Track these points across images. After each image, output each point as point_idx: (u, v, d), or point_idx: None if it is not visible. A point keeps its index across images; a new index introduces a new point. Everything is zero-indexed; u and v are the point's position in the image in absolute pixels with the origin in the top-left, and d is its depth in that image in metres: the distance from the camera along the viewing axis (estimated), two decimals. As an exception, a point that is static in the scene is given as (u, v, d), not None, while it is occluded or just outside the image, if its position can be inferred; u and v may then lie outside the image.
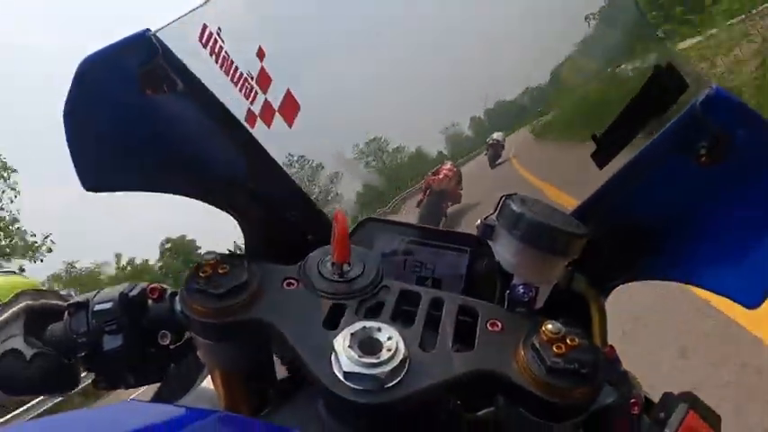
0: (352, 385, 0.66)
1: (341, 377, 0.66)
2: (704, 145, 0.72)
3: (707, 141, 0.71)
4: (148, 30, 0.77)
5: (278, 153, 0.98)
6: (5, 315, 0.87)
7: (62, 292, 0.95)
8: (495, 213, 0.86)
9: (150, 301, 0.90)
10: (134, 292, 0.89)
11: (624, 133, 0.86)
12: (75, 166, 0.84)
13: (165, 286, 0.91)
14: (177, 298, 0.86)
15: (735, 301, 0.79)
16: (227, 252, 0.84)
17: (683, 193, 0.81)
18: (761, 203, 0.73)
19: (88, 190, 0.86)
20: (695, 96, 0.70)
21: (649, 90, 0.81)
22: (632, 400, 0.80)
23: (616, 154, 0.88)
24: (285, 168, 1.00)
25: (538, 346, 0.72)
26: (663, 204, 0.85)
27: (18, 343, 0.84)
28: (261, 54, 0.95)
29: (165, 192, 0.94)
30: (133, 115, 0.84)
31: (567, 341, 0.72)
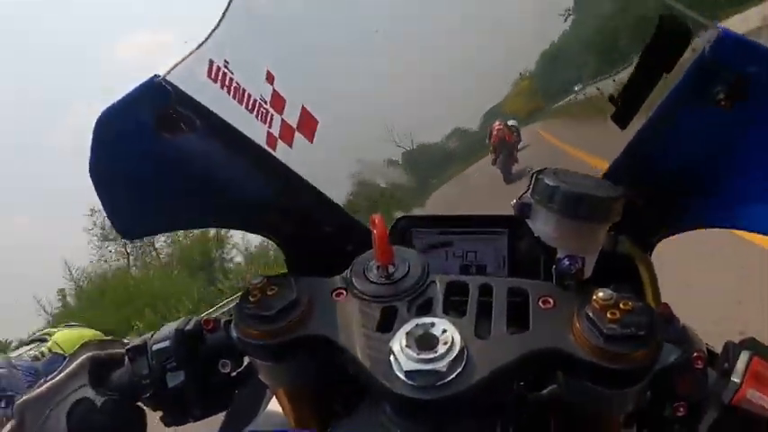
0: (414, 383, 0.66)
1: (402, 377, 0.67)
2: (721, 89, 0.71)
3: (722, 85, 0.70)
4: (157, 75, 0.79)
5: (304, 169, 0.99)
6: (72, 366, 0.90)
7: (124, 340, 0.98)
8: (530, 191, 0.86)
9: (206, 333, 0.91)
10: (189, 327, 0.91)
11: (640, 91, 0.85)
12: (109, 216, 0.86)
13: (218, 317, 0.93)
14: (232, 325, 0.88)
15: None
16: (274, 275, 0.85)
17: (710, 139, 0.80)
18: None
19: (125, 237, 0.89)
20: (703, 43, 0.69)
21: (656, 44, 0.80)
22: (695, 355, 0.79)
23: (635, 113, 0.87)
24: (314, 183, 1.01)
25: (592, 315, 0.71)
26: (692, 153, 0.83)
27: (87, 392, 0.88)
28: (270, 78, 0.96)
29: (202, 227, 0.96)
30: (157, 159, 0.86)
31: (621, 306, 0.72)
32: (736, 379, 0.76)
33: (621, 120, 0.88)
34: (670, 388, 0.79)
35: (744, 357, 0.77)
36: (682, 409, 0.80)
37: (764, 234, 0.81)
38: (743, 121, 0.74)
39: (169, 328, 0.91)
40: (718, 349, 0.83)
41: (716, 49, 0.68)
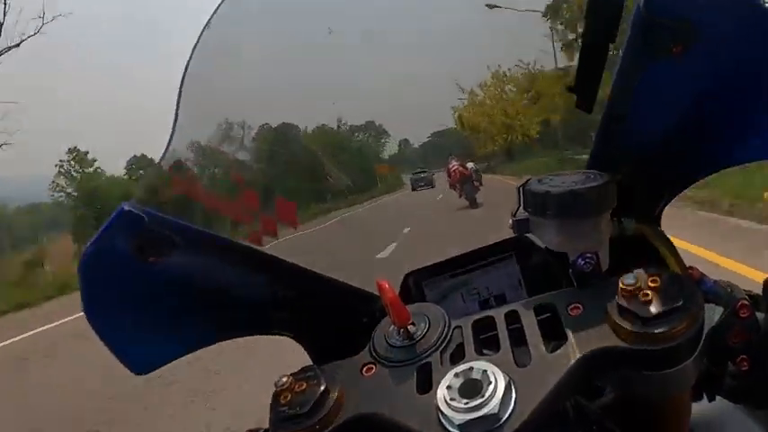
0: None
1: None
2: (665, 41, 0.71)
3: (666, 36, 0.71)
4: (124, 204, 0.78)
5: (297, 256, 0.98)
6: None
7: None
8: (521, 207, 0.86)
9: None
10: None
11: (592, 71, 0.86)
12: (118, 358, 0.84)
13: (256, 428, 0.90)
14: None
15: None
16: (297, 371, 0.83)
17: (673, 93, 0.80)
18: (752, 54, 0.72)
19: (139, 374, 0.86)
20: (636, 1, 0.70)
21: (592, 19, 0.82)
22: (738, 305, 0.78)
23: (596, 94, 0.88)
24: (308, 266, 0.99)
25: (625, 304, 0.70)
26: (661, 113, 0.84)
27: None
28: (238, 179, 0.96)
29: (213, 343, 0.94)
30: (148, 286, 0.84)
31: (650, 285, 0.70)
32: None
33: (585, 105, 0.89)
34: (725, 346, 0.77)
35: None
36: (745, 363, 0.78)
37: (759, 160, 0.81)
38: (700, 60, 0.74)
39: None
40: (758, 291, 0.81)
41: (649, 2, 0.69)
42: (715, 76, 0.77)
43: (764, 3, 0.67)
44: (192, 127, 0.88)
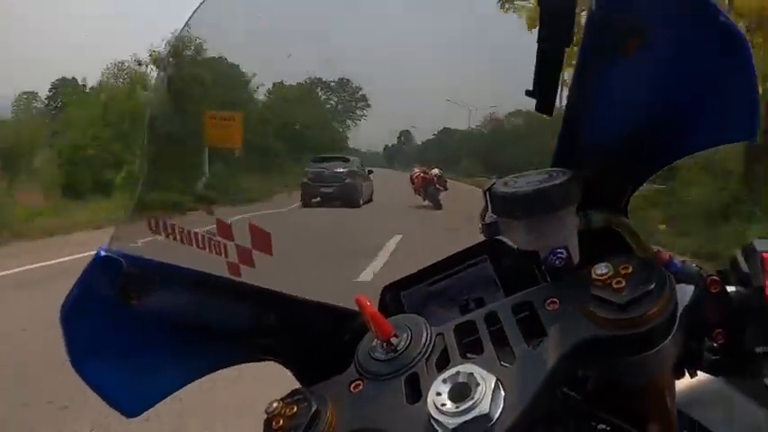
0: None
1: None
2: (620, 38, 0.74)
3: (622, 32, 0.74)
4: (101, 249, 0.78)
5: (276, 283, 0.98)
6: None
7: None
8: (489, 210, 0.87)
9: None
10: None
11: (550, 74, 0.88)
12: (110, 404, 0.84)
13: None
14: None
15: (735, 140, 0.81)
16: (286, 395, 0.83)
17: (634, 88, 0.83)
18: (702, 48, 0.75)
19: (131, 417, 0.86)
20: (589, 1, 0.73)
21: (546, 24, 0.84)
22: (708, 281, 0.81)
23: (554, 97, 0.90)
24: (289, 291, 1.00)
25: (599, 293, 0.72)
26: (625, 105, 0.86)
27: None
28: (209, 210, 0.97)
29: (202, 376, 0.94)
30: (132, 330, 0.84)
31: (621, 272, 0.73)
32: (757, 282, 0.78)
33: (544, 108, 0.91)
34: (701, 322, 0.80)
35: (754, 259, 0.79)
36: (721, 336, 0.81)
37: (720, 144, 0.84)
38: (653, 56, 0.77)
39: None
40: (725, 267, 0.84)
41: (600, 2, 0.71)
42: (667, 71, 0.79)
43: (712, 1, 0.70)
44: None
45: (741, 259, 0.83)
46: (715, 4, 0.69)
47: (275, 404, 0.80)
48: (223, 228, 0.97)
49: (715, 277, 0.82)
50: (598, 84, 0.81)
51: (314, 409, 0.77)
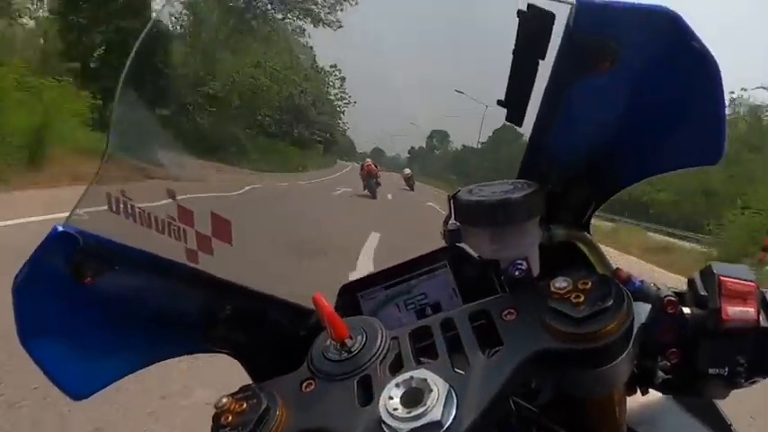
0: None
1: None
2: (596, 55, 0.74)
3: (596, 51, 0.74)
4: (57, 226, 0.76)
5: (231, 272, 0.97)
6: None
7: None
8: (452, 217, 0.87)
9: None
10: None
11: (522, 85, 0.88)
12: (56, 383, 0.82)
13: None
14: None
15: (700, 164, 0.82)
16: (236, 390, 0.82)
17: (602, 105, 0.83)
18: (675, 72, 0.75)
19: (78, 399, 0.84)
20: (567, 19, 0.73)
21: (523, 37, 0.84)
22: (665, 302, 0.82)
23: (525, 108, 0.90)
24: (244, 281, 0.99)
25: (557, 307, 0.72)
26: (591, 124, 0.87)
27: None
28: (171, 194, 0.95)
29: (153, 362, 0.92)
30: (84, 308, 0.82)
31: (580, 287, 0.73)
32: (713, 305, 0.79)
33: (515, 119, 0.91)
34: (655, 341, 0.81)
35: (711, 282, 0.80)
36: (674, 356, 0.82)
37: (685, 168, 0.85)
38: (626, 76, 0.77)
39: None
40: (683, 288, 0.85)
41: (578, 20, 0.71)
42: (638, 92, 0.80)
43: (688, 26, 0.70)
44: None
45: (699, 282, 0.84)
46: (690, 29, 0.70)
47: (225, 399, 0.79)
48: (184, 213, 0.95)
49: (672, 298, 0.82)
50: (568, 100, 0.81)
51: (264, 406, 0.76)
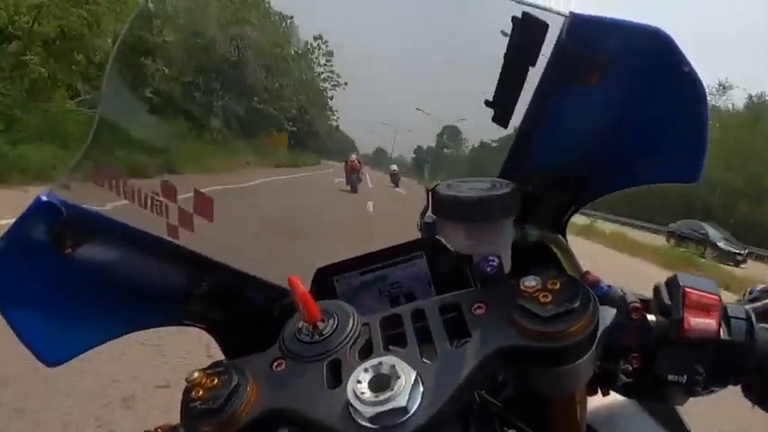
0: (380, 426, 0.66)
1: (369, 425, 0.66)
2: (584, 67, 0.76)
3: (586, 64, 0.75)
4: (41, 194, 0.77)
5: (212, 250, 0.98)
6: None
7: None
8: (430, 209, 0.88)
9: None
10: None
11: (511, 89, 0.90)
12: (28, 347, 0.83)
13: (165, 425, 0.90)
14: (182, 430, 0.85)
15: (678, 181, 0.84)
16: (208, 366, 0.83)
17: (589, 115, 0.85)
18: (662, 91, 0.77)
19: (51, 365, 0.85)
20: (560, 29, 0.74)
21: (516, 43, 0.85)
22: (630, 307, 0.84)
23: (512, 111, 0.92)
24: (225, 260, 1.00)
25: (526, 304, 0.74)
26: (575, 132, 0.88)
27: None
28: (158, 171, 0.96)
29: (126, 333, 0.93)
30: (62, 276, 0.83)
31: (549, 287, 0.75)
32: (676, 314, 0.81)
33: (501, 120, 0.92)
34: (618, 345, 0.83)
35: (676, 292, 0.83)
36: (636, 361, 0.84)
37: (663, 182, 0.87)
38: (613, 90, 0.79)
39: None
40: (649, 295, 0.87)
41: (571, 32, 0.73)
42: (624, 105, 0.82)
43: (679, 49, 0.72)
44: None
45: (664, 291, 0.86)
46: (681, 52, 0.72)
47: (196, 374, 0.80)
48: (167, 188, 0.96)
49: (637, 304, 0.84)
50: (555, 107, 0.83)
51: (234, 382, 0.77)
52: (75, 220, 0.79)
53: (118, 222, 0.85)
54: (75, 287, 0.85)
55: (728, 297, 0.89)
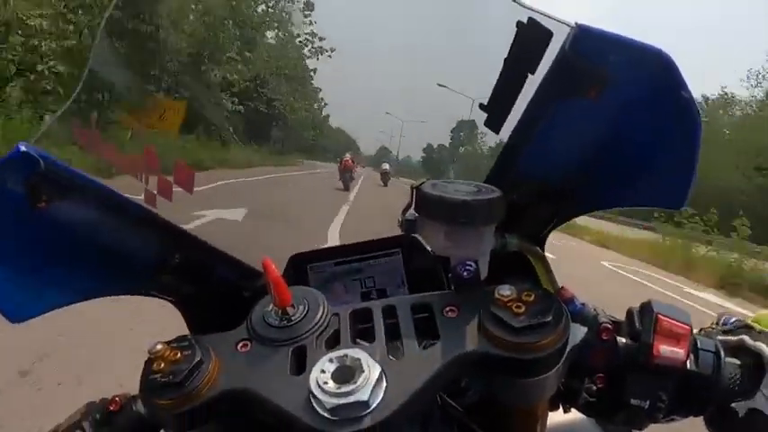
0: (340, 418, 0.65)
1: (328, 416, 0.65)
2: (584, 81, 0.75)
3: (586, 77, 0.75)
4: (21, 144, 0.75)
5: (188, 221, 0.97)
6: None
7: None
8: (413, 206, 0.88)
9: (113, 415, 0.86)
10: (95, 413, 0.86)
11: (507, 95, 0.89)
12: None
13: (123, 394, 0.88)
14: (139, 400, 0.84)
15: (663, 207, 0.83)
16: (173, 339, 0.82)
17: (583, 128, 0.84)
18: (658, 114, 0.77)
19: (15, 321, 0.83)
20: (564, 40, 0.73)
21: (518, 48, 0.84)
22: (601, 327, 0.84)
23: (506, 116, 0.91)
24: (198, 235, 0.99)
25: (498, 313, 0.73)
26: (568, 144, 0.88)
27: None
28: (143, 136, 0.95)
29: (94, 297, 0.91)
30: (34, 232, 0.81)
31: (523, 298, 0.74)
32: (646, 339, 0.81)
33: (494, 125, 0.91)
34: (585, 364, 0.83)
35: (648, 318, 0.83)
36: (600, 381, 0.84)
37: (647, 206, 0.87)
38: (609, 107, 0.79)
39: (71, 419, 0.86)
40: (621, 318, 0.87)
41: (574, 44, 0.72)
42: (619, 126, 0.82)
43: (680, 73, 0.71)
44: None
45: (636, 315, 0.86)
46: (681, 77, 0.71)
47: (159, 346, 0.78)
48: (151, 156, 0.95)
49: (608, 325, 0.85)
50: (549, 119, 0.82)
51: (197, 358, 0.76)
52: (53, 175, 0.77)
53: (96, 182, 0.83)
54: (45, 245, 0.83)
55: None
